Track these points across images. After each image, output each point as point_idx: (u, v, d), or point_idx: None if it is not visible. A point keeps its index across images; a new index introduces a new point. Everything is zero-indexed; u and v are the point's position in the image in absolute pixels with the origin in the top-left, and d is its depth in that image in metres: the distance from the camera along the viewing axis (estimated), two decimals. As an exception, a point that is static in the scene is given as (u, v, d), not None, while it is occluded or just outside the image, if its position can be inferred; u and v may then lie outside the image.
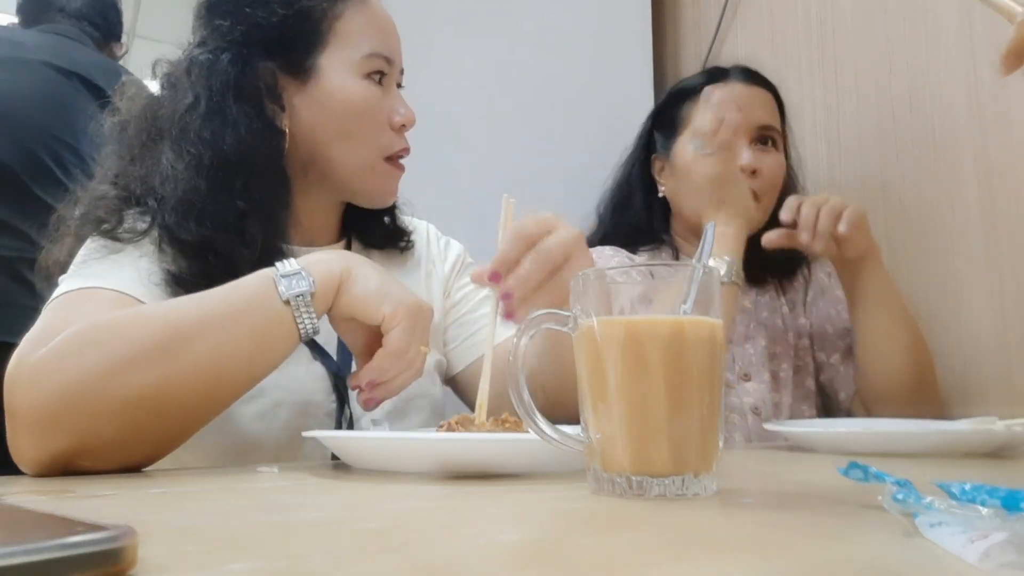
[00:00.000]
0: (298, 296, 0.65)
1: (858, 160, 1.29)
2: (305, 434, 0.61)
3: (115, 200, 0.78)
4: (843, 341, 1.17)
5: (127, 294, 0.70)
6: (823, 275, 1.23)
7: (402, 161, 0.88)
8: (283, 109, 0.81)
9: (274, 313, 0.64)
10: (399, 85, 0.89)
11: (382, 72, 0.84)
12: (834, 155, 1.33)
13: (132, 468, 0.64)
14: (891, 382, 1.06)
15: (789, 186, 1.19)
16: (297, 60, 0.82)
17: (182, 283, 0.73)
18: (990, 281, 1.08)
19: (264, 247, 0.76)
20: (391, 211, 0.95)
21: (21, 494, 0.49)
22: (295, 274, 0.66)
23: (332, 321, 0.70)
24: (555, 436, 0.45)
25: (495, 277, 0.62)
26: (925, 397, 1.06)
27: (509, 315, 0.63)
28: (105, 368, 0.59)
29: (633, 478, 0.42)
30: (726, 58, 1.56)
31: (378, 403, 0.69)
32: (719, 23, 1.60)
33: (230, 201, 0.75)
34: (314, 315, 0.66)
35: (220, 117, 0.77)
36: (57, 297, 0.70)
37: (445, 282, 0.97)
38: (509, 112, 1.44)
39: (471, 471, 0.53)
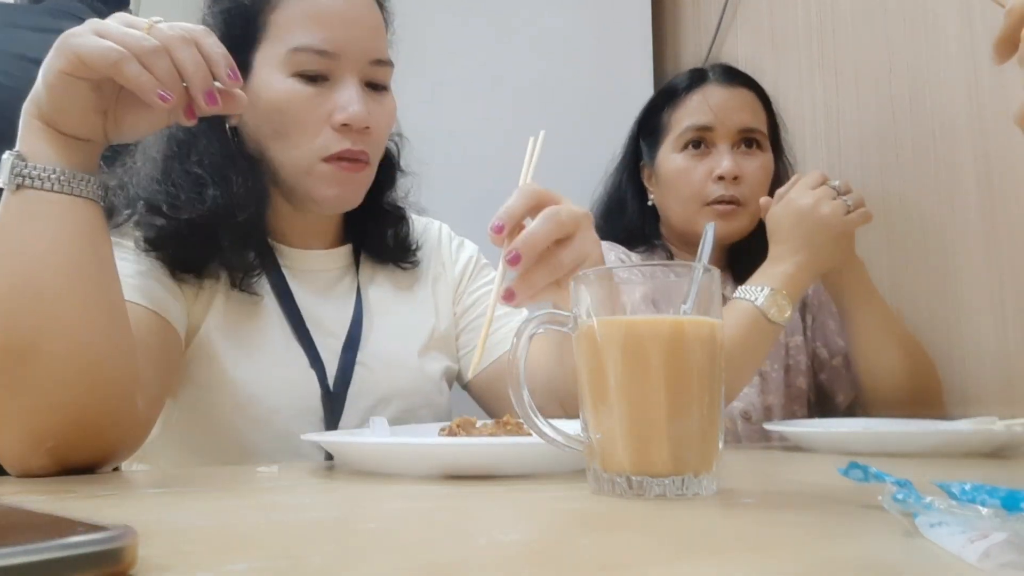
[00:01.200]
0: (31, 179, 0.58)
1: (858, 160, 1.29)
2: (304, 437, 0.61)
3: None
4: (845, 341, 1.15)
5: None
6: None
7: (382, 164, 0.84)
8: None
9: (35, 205, 0.58)
10: (376, 84, 0.81)
11: (317, 68, 0.76)
12: (834, 155, 1.33)
13: (111, 441, 0.62)
14: (887, 385, 1.06)
15: (782, 185, 1.16)
16: (237, 59, 0.76)
17: (155, 244, 0.74)
18: (990, 281, 1.08)
19: (236, 239, 0.76)
20: (396, 227, 0.91)
21: (21, 494, 0.49)
22: (10, 160, 0.59)
23: (117, 131, 0.64)
24: (555, 436, 0.45)
25: (498, 230, 0.58)
26: (926, 398, 1.06)
27: (509, 297, 0.58)
28: None
29: (633, 478, 0.42)
30: (726, 58, 1.55)
31: (235, 102, 0.65)
32: (719, 23, 1.60)
33: (187, 175, 0.76)
34: (68, 176, 0.59)
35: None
36: None
37: (455, 287, 0.94)
38: (509, 112, 1.44)
39: (472, 474, 0.53)
